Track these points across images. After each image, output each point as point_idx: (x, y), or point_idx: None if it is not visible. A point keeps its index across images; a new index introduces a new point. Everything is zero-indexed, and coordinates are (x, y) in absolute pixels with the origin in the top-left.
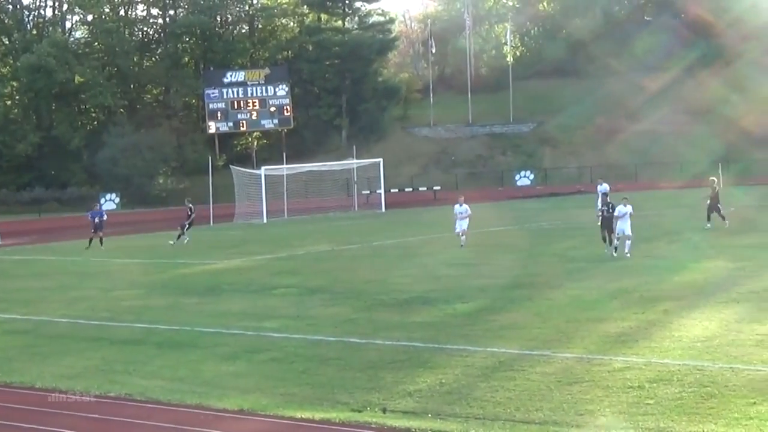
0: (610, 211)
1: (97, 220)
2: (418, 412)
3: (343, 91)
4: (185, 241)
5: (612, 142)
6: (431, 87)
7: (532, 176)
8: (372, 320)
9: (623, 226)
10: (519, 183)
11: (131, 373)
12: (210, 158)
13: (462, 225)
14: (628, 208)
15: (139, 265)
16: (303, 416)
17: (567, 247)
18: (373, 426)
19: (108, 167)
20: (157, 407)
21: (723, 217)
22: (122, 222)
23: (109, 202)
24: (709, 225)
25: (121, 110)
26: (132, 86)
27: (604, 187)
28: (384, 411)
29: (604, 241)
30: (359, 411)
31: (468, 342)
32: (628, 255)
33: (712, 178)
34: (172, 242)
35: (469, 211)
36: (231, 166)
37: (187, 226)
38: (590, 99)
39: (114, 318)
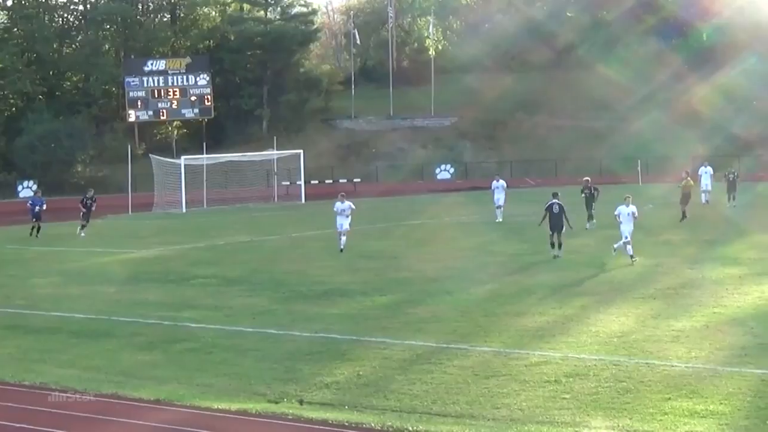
0: (560, 209)
1: (37, 208)
2: (335, 404)
3: (264, 81)
4: (79, 232)
5: (532, 137)
6: (353, 79)
7: (452, 170)
8: (290, 311)
9: (626, 229)
10: (439, 177)
11: (46, 361)
12: (129, 147)
13: (344, 224)
14: (632, 208)
15: (56, 253)
16: (220, 407)
17: (486, 242)
18: (289, 417)
19: (26, 154)
20: (74, 396)
21: (590, 216)
22: None
23: (27, 190)
24: (588, 225)
25: (40, 97)
26: (51, 73)
27: (501, 183)
28: (301, 402)
29: (552, 246)
30: (276, 402)
31: (386, 334)
32: (636, 259)
33: (585, 178)
34: (82, 234)
35: (353, 207)
36: (150, 155)
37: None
38: (511, 94)
39: (30, 306)
